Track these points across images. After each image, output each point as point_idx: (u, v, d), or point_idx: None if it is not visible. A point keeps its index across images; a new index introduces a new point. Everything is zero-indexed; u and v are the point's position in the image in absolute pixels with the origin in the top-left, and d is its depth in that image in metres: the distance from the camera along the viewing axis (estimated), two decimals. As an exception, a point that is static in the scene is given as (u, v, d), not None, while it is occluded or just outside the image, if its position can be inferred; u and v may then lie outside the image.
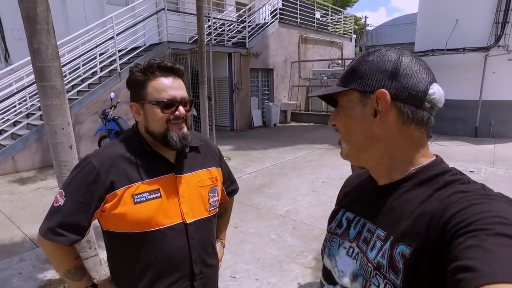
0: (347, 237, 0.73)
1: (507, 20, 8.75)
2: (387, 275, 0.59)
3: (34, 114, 7.06)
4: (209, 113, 6.45)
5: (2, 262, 3.17)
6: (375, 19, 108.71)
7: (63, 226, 1.01)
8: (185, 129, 1.09)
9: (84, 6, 9.90)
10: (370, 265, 0.64)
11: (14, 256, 3.26)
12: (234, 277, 2.91)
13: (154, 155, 1.10)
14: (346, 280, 0.70)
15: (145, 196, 1.04)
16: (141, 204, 1.04)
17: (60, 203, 1.03)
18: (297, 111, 13.22)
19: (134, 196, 1.04)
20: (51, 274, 2.95)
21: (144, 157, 1.09)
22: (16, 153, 6.37)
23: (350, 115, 0.69)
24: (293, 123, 12.70)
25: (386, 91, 0.64)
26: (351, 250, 0.71)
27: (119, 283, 1.14)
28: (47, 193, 5.18)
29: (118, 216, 1.03)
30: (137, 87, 1.06)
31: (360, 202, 0.75)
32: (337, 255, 0.74)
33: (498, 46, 8.89)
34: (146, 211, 1.04)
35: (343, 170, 6.14)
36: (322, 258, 0.80)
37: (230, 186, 1.41)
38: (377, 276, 0.61)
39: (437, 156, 0.69)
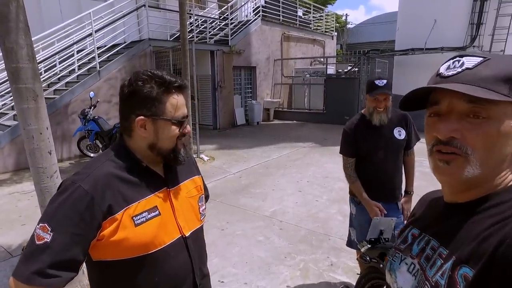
0: (410, 253, 0.70)
1: (481, 22, 9.04)
2: None
3: (6, 114, 6.73)
4: (192, 112, 6.34)
5: (-25, 273, 3.00)
6: (355, 17, 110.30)
7: (55, 266, 0.87)
8: (183, 145, 1.08)
9: (60, 0, 9.52)
10: (428, 283, 0.60)
11: (-12, 267, 3.09)
12: (222, 281, 2.86)
13: (148, 171, 1.05)
14: None
15: (145, 216, 0.99)
16: (142, 225, 0.97)
17: (46, 239, 0.87)
18: (280, 109, 13.23)
19: (134, 217, 0.97)
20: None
21: (136, 174, 1.02)
22: (-12, 155, 6.06)
23: (505, 133, 0.58)
24: (276, 121, 12.72)
25: None
26: (412, 266, 0.68)
27: None
28: (22, 197, 4.95)
29: (117, 243, 0.94)
30: (149, 101, 0.99)
31: (427, 219, 0.71)
32: (397, 270, 0.72)
33: (474, 46, 9.18)
34: (148, 232, 0.98)
35: (328, 168, 6.19)
36: (383, 272, 0.79)
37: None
38: None
39: None
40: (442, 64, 0.65)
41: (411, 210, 2.31)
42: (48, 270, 0.86)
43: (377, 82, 2.16)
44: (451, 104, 0.60)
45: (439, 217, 0.67)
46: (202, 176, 1.31)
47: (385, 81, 2.17)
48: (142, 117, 0.99)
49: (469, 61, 0.61)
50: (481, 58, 0.60)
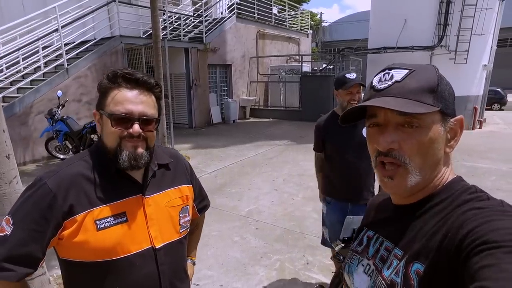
0: (366, 255, 0.73)
1: (447, 23, 9.41)
2: None
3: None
4: (166, 111, 6.21)
5: None
6: (329, 15, 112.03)
7: (11, 259, 0.88)
8: (140, 149, 0.97)
9: (22, -7, 9.04)
10: (384, 282, 0.64)
11: None
12: (197, 284, 2.81)
13: (120, 174, 0.99)
14: None
15: (110, 221, 0.95)
16: (105, 230, 0.94)
17: (6, 232, 0.89)
18: (256, 107, 13.23)
19: (97, 221, 0.94)
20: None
21: (108, 177, 0.98)
22: None
23: (435, 138, 0.64)
24: (252, 119, 12.70)
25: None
26: (368, 267, 0.71)
27: None
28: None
29: (78, 244, 0.92)
30: (102, 94, 0.99)
31: (380, 220, 0.75)
32: (355, 272, 0.74)
33: (441, 46, 9.55)
34: (111, 238, 0.94)
35: (303, 166, 6.25)
36: (343, 274, 0.81)
37: (201, 202, 1.32)
38: None
39: (457, 175, 0.69)
40: (375, 76, 0.69)
41: None
42: (3, 263, 0.87)
43: (348, 75, 2.20)
44: (386, 116, 0.65)
45: (390, 219, 0.72)
46: (196, 185, 1.23)
47: (355, 74, 2.22)
48: (95, 110, 1.01)
49: (398, 74, 0.66)
50: (407, 70, 0.65)
